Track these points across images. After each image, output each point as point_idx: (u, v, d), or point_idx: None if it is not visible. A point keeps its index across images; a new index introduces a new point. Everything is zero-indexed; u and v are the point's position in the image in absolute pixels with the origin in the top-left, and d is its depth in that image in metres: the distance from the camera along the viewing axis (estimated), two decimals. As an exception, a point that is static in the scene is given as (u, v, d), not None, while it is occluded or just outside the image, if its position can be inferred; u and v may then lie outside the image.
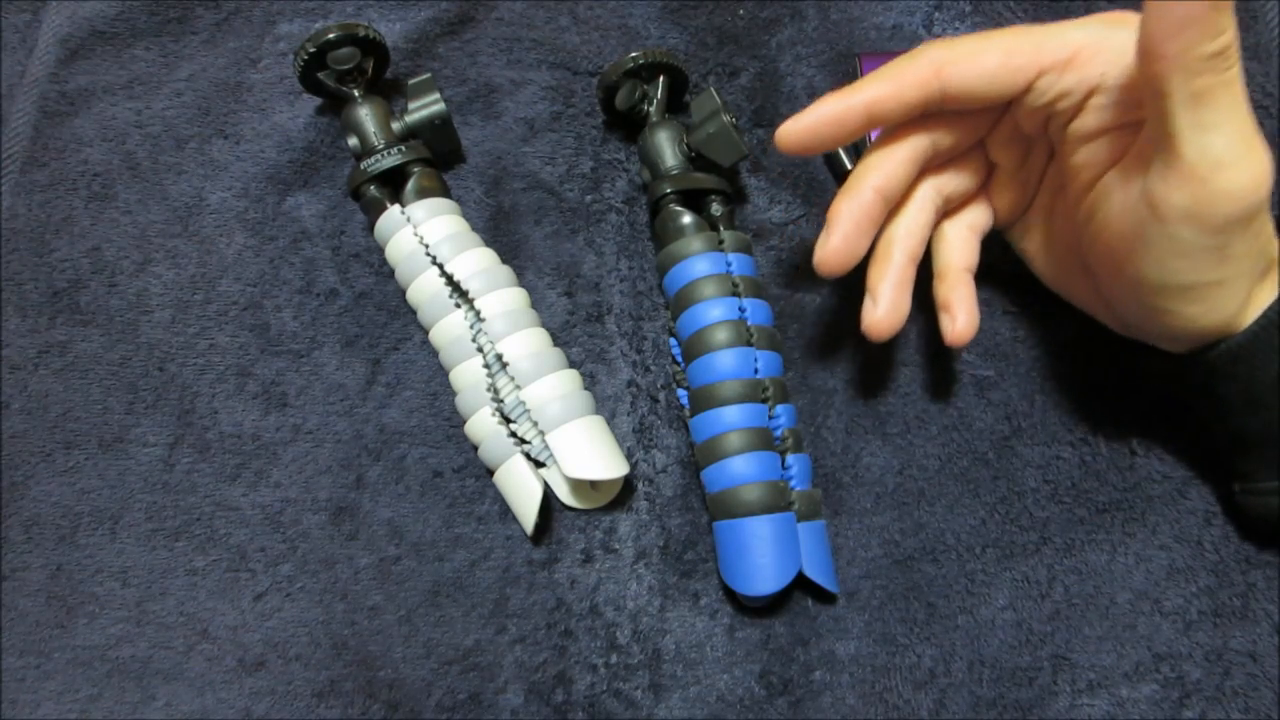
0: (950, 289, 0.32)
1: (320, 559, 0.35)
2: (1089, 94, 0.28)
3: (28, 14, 0.45)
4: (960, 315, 0.32)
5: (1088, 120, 0.28)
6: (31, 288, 0.39)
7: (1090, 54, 0.27)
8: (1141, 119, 0.27)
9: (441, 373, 0.37)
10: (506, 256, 0.38)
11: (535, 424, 0.33)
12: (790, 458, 0.33)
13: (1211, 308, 0.27)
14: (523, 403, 0.34)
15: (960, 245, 0.33)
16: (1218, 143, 0.25)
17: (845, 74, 0.41)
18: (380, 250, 0.38)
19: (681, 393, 0.36)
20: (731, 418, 0.32)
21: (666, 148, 0.37)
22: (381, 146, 0.37)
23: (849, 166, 0.39)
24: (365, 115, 0.37)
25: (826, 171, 0.40)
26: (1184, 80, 0.24)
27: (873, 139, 0.38)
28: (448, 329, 0.35)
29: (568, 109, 0.41)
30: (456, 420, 0.36)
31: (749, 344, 0.33)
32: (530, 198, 0.40)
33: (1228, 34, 0.24)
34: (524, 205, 0.40)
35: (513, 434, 0.34)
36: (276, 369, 0.37)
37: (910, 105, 0.29)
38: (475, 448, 0.35)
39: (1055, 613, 0.33)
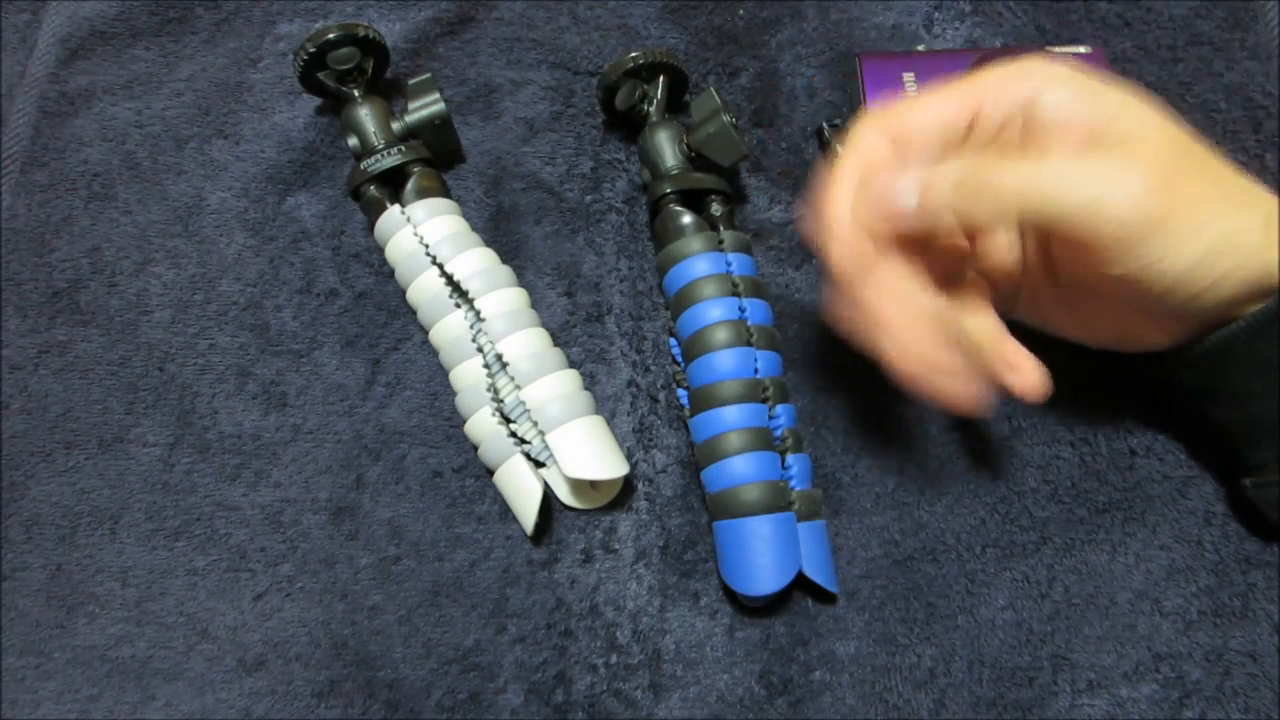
0: (1000, 349, 0.31)
1: (320, 559, 0.35)
2: (1031, 104, 0.27)
3: (28, 14, 0.45)
4: (1025, 365, 0.31)
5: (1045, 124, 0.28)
6: (31, 288, 0.39)
7: (1019, 72, 0.27)
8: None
9: (441, 373, 0.37)
10: (506, 256, 0.38)
11: (535, 424, 0.33)
12: (790, 458, 0.33)
13: (1227, 262, 0.27)
14: (523, 403, 0.34)
15: (985, 319, 0.32)
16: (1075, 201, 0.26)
17: (845, 74, 0.41)
18: (380, 250, 0.38)
19: (681, 393, 0.36)
20: (731, 418, 0.32)
21: (666, 148, 0.37)
22: (381, 146, 0.37)
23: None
24: (365, 115, 0.37)
25: (826, 171, 0.40)
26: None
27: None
28: (448, 329, 0.35)
29: (568, 109, 0.41)
30: (456, 420, 0.36)
31: (749, 344, 0.33)
32: (530, 198, 0.40)
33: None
34: (524, 205, 0.40)
35: (513, 434, 0.34)
36: (276, 369, 0.37)
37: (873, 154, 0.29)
38: (475, 448, 0.35)
39: (1055, 613, 0.33)
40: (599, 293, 0.38)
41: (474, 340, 0.35)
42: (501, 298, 0.35)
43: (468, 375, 0.34)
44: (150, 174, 0.40)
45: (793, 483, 0.32)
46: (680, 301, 0.35)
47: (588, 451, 0.32)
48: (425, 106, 0.38)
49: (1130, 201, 0.26)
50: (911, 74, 0.39)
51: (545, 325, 0.36)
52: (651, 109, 0.38)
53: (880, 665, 0.33)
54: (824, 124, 0.40)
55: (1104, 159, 0.27)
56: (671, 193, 0.36)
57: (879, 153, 0.29)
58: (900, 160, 0.29)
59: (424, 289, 0.35)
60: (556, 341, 0.36)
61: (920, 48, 0.42)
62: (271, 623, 0.34)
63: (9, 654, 0.34)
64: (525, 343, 0.34)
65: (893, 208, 0.28)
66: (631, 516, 0.35)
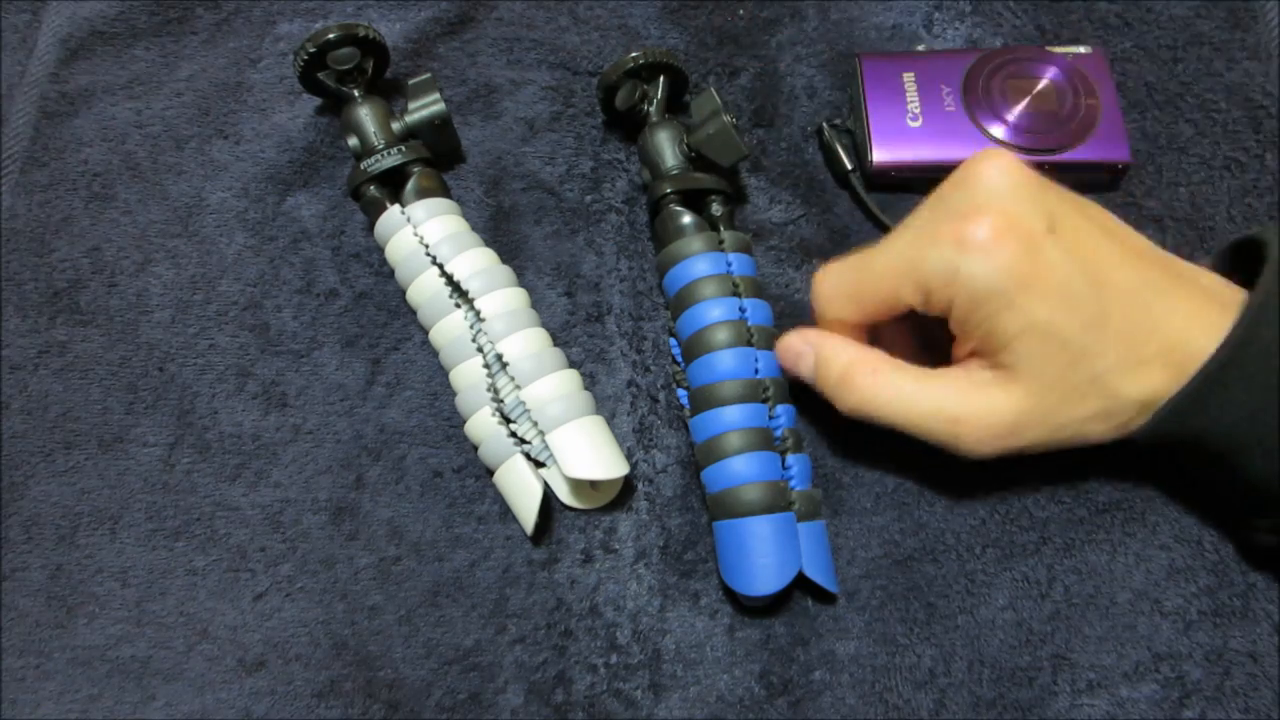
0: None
1: (320, 559, 0.35)
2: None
3: (28, 14, 0.45)
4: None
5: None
6: (31, 288, 0.39)
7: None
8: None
9: (441, 373, 0.37)
10: (506, 256, 0.38)
11: (535, 424, 0.33)
12: (790, 458, 0.33)
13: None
14: (523, 403, 0.34)
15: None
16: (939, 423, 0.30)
17: (845, 74, 0.41)
18: (380, 250, 0.38)
19: (681, 393, 0.36)
20: (731, 418, 0.32)
21: (666, 148, 0.37)
22: (381, 146, 0.37)
23: (849, 166, 0.39)
24: (365, 115, 0.37)
25: (826, 171, 0.40)
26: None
27: (873, 148, 0.38)
28: (448, 329, 0.35)
29: (568, 109, 0.41)
30: (456, 420, 0.36)
31: (749, 344, 0.33)
32: (530, 198, 0.40)
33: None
34: (524, 205, 0.40)
35: (513, 434, 0.34)
36: (276, 369, 0.37)
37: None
38: (475, 448, 0.35)
39: (1055, 613, 0.33)
40: (599, 293, 0.38)
41: (474, 340, 0.35)
42: (501, 298, 0.35)
43: (468, 375, 0.34)
44: (150, 174, 0.40)
45: (793, 483, 0.32)
46: (680, 301, 0.35)
47: (588, 451, 0.32)
48: (425, 106, 0.38)
49: (976, 444, 0.29)
50: (911, 74, 0.39)
51: (545, 325, 0.36)
52: (651, 109, 0.38)
53: (880, 665, 0.33)
54: (824, 124, 0.40)
55: (977, 384, 0.29)
56: (671, 193, 0.36)
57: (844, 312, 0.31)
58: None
59: (424, 289, 0.35)
60: (556, 341, 0.36)
61: (920, 47, 0.42)
62: (271, 623, 0.34)
63: (9, 654, 0.34)
64: (525, 343, 0.34)
65: (794, 370, 0.32)
66: (631, 516, 0.35)
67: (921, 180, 0.38)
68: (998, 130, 0.38)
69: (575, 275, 0.39)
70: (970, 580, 0.34)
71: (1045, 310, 0.27)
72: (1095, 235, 0.28)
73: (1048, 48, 0.39)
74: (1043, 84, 0.38)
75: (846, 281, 0.31)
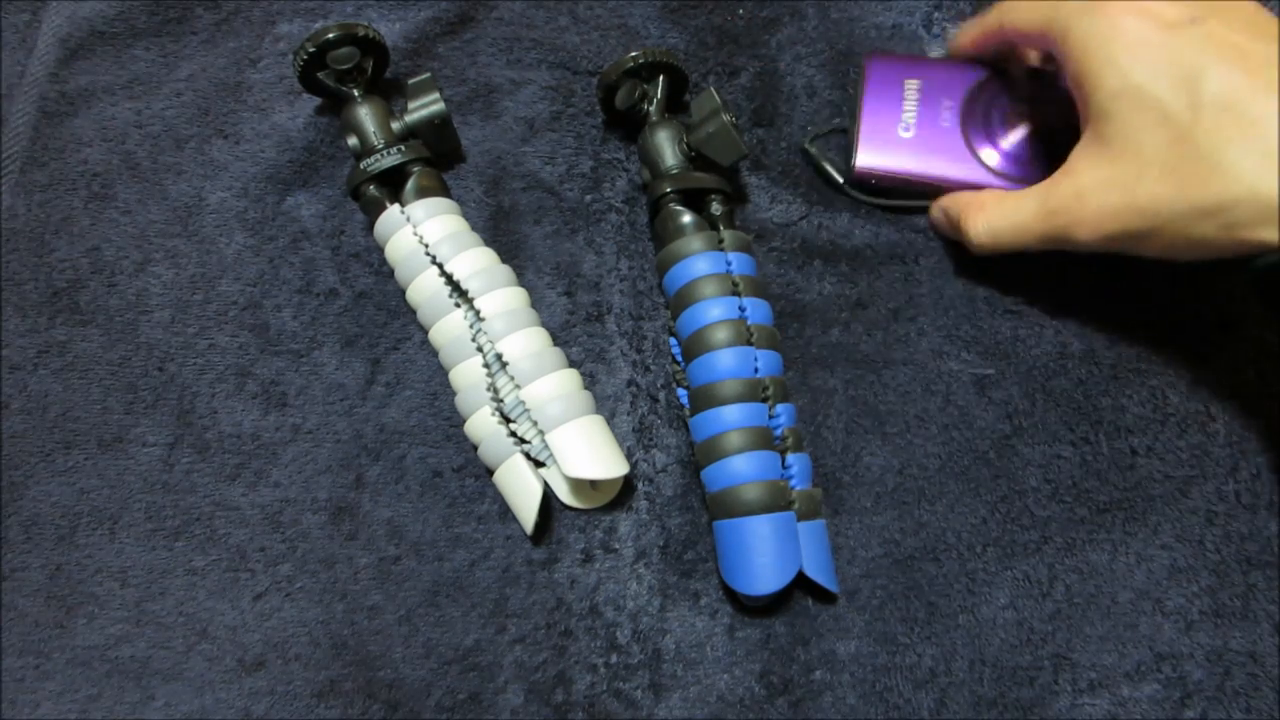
0: None
1: (320, 559, 0.35)
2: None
3: (28, 14, 0.45)
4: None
5: None
6: (31, 288, 0.39)
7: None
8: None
9: (441, 372, 0.37)
10: (506, 256, 0.38)
11: (535, 424, 0.33)
12: (790, 457, 0.33)
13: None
14: (522, 402, 0.34)
15: None
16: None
17: (846, 74, 0.41)
18: (380, 250, 0.38)
19: (681, 392, 0.36)
20: (731, 417, 0.32)
21: (666, 147, 0.37)
22: (381, 146, 0.37)
23: (838, 179, 0.39)
24: (365, 115, 0.37)
25: (826, 171, 0.40)
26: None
27: (858, 152, 0.37)
28: (447, 328, 0.35)
29: (568, 109, 0.41)
30: (456, 420, 0.36)
31: (749, 343, 0.33)
32: (530, 197, 0.40)
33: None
34: (524, 205, 0.40)
35: (512, 434, 0.34)
36: (276, 369, 0.37)
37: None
38: (475, 447, 0.35)
39: (1056, 612, 0.33)
40: (599, 292, 0.38)
41: (474, 340, 0.35)
42: (501, 297, 0.35)
43: (467, 375, 0.34)
44: (150, 174, 0.40)
45: (793, 482, 0.32)
46: (680, 301, 0.35)
47: (587, 451, 0.32)
48: (425, 106, 0.38)
49: (1080, 229, 0.29)
50: (916, 82, 0.38)
51: (545, 325, 0.36)
52: (651, 109, 0.38)
53: (881, 665, 0.33)
54: (805, 145, 0.39)
55: (1079, 169, 0.29)
56: (671, 192, 0.36)
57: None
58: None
59: (424, 289, 0.35)
60: (556, 341, 0.36)
61: (934, 54, 0.41)
62: (271, 623, 0.34)
63: (9, 654, 0.34)
64: (525, 342, 0.34)
65: (951, 233, 0.37)
66: (631, 516, 0.35)
67: (899, 190, 0.38)
68: (989, 155, 0.36)
69: (575, 275, 0.39)
70: (971, 579, 0.34)
71: (1145, 75, 0.26)
72: (1252, 38, 0.26)
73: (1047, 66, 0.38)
74: (1044, 115, 0.36)
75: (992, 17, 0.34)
